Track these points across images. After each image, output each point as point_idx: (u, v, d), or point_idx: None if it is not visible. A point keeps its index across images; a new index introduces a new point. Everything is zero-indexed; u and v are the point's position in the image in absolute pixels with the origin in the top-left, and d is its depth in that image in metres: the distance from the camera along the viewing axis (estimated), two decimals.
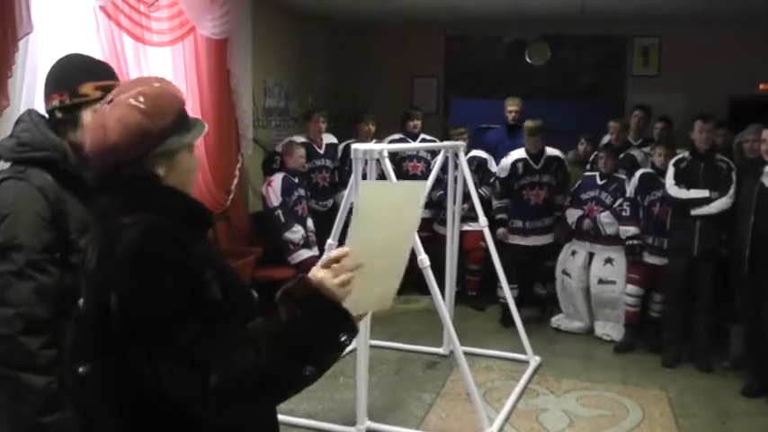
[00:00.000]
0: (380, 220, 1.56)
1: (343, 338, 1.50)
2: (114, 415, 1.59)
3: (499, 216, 6.41)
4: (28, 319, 1.92)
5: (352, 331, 1.51)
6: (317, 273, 1.51)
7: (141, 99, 1.56)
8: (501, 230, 6.34)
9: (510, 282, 5.73)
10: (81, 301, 1.68)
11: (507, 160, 6.35)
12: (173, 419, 1.53)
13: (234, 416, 1.47)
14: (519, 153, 6.34)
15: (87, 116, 2.04)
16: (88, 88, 2.10)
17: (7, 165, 2.13)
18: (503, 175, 6.36)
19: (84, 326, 1.62)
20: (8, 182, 2.05)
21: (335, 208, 6.17)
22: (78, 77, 2.12)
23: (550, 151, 6.36)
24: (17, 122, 2.16)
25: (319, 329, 1.47)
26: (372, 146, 4.37)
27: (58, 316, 1.95)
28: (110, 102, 1.59)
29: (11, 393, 1.93)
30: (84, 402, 1.69)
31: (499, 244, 5.90)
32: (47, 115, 2.16)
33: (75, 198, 2.07)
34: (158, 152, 1.58)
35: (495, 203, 6.47)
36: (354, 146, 4.24)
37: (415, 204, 1.69)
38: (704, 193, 5.31)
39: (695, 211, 5.38)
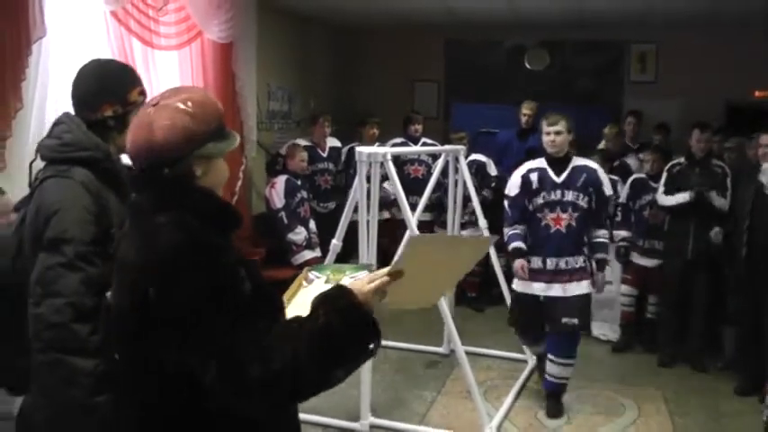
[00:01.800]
0: (430, 265, 1.79)
1: (371, 347, 1.65)
2: (138, 402, 1.71)
3: (513, 246, 4.63)
4: (78, 307, 2.03)
5: (379, 341, 1.66)
6: (360, 287, 1.68)
7: (189, 104, 1.68)
8: (518, 263, 4.57)
9: (528, 343, 5.14)
10: (110, 293, 1.80)
11: (517, 173, 4.70)
12: (195, 410, 1.64)
13: (265, 408, 1.61)
14: (536, 162, 4.66)
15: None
16: (134, 95, 2.25)
17: (41, 165, 2.24)
18: (513, 192, 4.67)
19: (115, 316, 1.73)
20: (52, 180, 2.15)
21: (338, 210, 6.32)
22: (125, 86, 2.25)
23: (580, 161, 4.64)
24: (56, 124, 2.26)
25: (353, 337, 1.62)
26: (377, 149, 4.49)
27: (100, 304, 2.06)
28: (155, 105, 1.70)
29: (64, 377, 2.03)
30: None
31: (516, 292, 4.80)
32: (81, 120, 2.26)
33: (114, 195, 2.19)
34: (199, 154, 1.69)
35: (507, 231, 4.71)
36: (359, 149, 4.37)
37: (475, 257, 2.07)
38: (684, 197, 5.45)
39: (666, 202, 5.58)
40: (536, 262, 4.55)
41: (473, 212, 5.81)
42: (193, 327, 1.54)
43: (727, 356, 5.65)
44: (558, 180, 4.53)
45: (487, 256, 5.82)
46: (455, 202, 5.85)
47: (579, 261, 4.52)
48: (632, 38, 8.25)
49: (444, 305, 4.55)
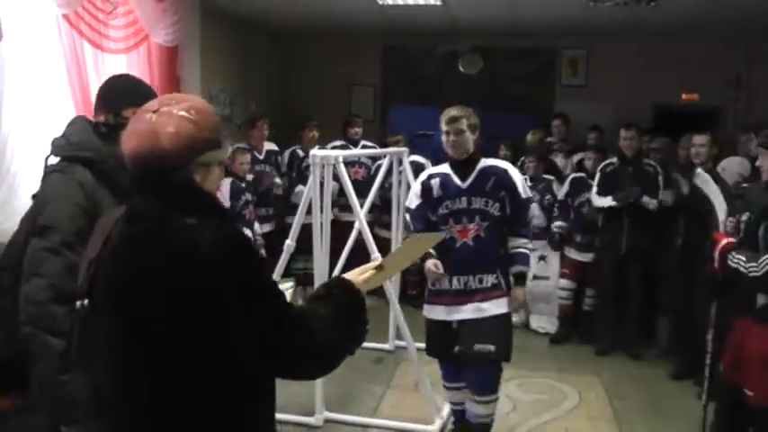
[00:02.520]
0: (409, 254, 2.42)
1: (366, 326, 1.97)
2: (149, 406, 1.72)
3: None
4: (57, 289, 2.20)
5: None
6: (356, 277, 2.02)
7: (193, 112, 1.74)
8: (429, 262, 3.74)
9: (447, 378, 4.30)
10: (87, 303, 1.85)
11: (417, 181, 4.12)
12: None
13: (321, 372, 1.93)
14: (438, 167, 4.08)
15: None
16: (129, 113, 2.31)
17: (56, 159, 2.43)
18: (413, 203, 4.03)
19: (128, 321, 1.72)
20: (54, 174, 2.37)
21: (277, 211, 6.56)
22: (122, 102, 2.40)
23: (488, 162, 3.95)
24: (69, 125, 2.48)
25: (358, 317, 1.94)
26: (329, 152, 4.64)
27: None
28: (155, 111, 1.74)
29: (36, 352, 2.20)
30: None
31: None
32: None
33: (110, 194, 2.35)
34: (199, 161, 1.75)
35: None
36: (313, 152, 4.51)
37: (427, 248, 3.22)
38: (610, 202, 5.79)
39: (598, 203, 5.91)
40: (442, 282, 3.85)
41: None
42: (260, 308, 1.70)
43: (661, 344, 6.00)
44: (463, 185, 3.84)
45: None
46: (399, 203, 6.02)
47: (491, 278, 3.84)
48: (563, 44, 8.55)
49: (396, 303, 4.74)
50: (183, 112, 1.73)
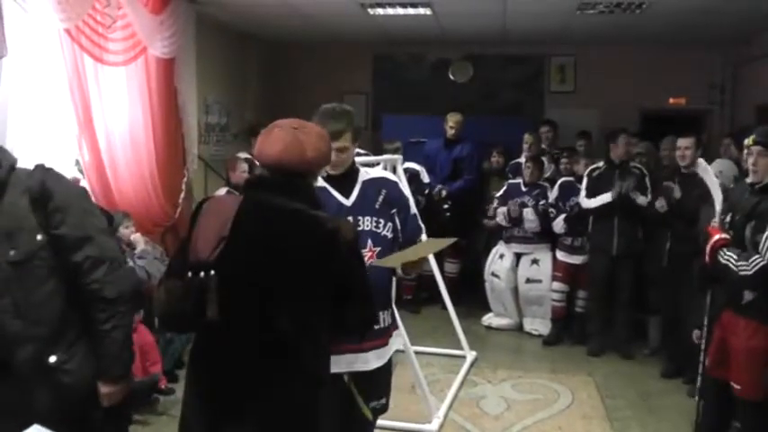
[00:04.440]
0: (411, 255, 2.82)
1: None
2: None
3: None
4: None
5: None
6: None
7: (324, 136, 2.42)
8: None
9: None
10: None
11: None
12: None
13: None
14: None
15: None
16: None
17: None
18: None
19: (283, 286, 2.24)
20: None
21: None
22: None
23: (372, 173, 3.19)
24: None
25: None
26: None
27: None
28: (295, 128, 2.32)
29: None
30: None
31: None
32: None
33: None
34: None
35: None
36: None
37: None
38: (606, 198, 5.89)
39: (589, 204, 6.01)
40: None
41: None
42: (360, 289, 2.36)
43: (651, 344, 6.12)
44: (348, 203, 3.01)
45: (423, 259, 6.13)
46: None
47: (387, 316, 3.08)
48: (552, 51, 8.71)
49: (394, 309, 4.84)
50: (320, 132, 2.41)
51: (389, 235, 3.01)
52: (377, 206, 3.03)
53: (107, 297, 2.45)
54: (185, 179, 6.65)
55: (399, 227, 3.07)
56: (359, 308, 2.36)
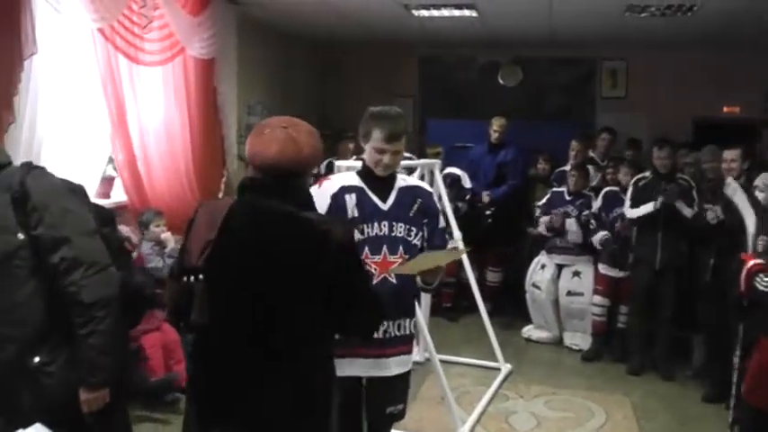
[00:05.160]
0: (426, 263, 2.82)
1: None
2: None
3: None
4: None
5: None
6: None
7: (315, 132, 2.35)
8: None
9: None
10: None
11: (325, 191, 3.01)
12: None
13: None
14: (348, 177, 3.13)
15: None
16: None
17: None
18: None
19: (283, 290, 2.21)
20: None
21: None
22: None
23: (408, 181, 3.22)
24: None
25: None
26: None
27: None
28: (285, 127, 2.25)
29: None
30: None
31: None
32: None
33: None
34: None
35: None
36: (337, 162, 4.53)
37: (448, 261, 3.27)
38: (649, 208, 5.64)
39: (632, 214, 5.78)
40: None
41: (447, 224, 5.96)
42: (363, 292, 2.34)
43: (694, 364, 5.83)
44: (384, 207, 3.05)
45: (462, 267, 6.02)
46: None
47: (410, 325, 3.12)
48: (603, 55, 8.49)
49: (420, 315, 4.72)
50: (311, 130, 2.33)
51: (419, 244, 3.06)
52: (411, 214, 3.07)
53: (83, 301, 2.39)
54: (224, 179, 6.64)
55: (427, 237, 3.10)
56: (357, 312, 2.31)
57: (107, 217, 2.77)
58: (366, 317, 2.37)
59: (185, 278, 2.27)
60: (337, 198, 2.99)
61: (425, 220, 3.10)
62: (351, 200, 3.00)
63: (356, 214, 2.99)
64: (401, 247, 3.00)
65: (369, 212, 2.99)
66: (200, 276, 2.24)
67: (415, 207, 3.08)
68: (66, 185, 2.56)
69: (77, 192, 2.60)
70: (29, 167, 2.50)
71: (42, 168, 2.56)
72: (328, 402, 2.33)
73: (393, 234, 3.01)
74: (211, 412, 2.28)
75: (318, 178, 3.08)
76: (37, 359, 2.44)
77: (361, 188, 3.03)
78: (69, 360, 2.46)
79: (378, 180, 3.04)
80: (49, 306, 2.43)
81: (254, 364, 2.21)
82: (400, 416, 3.21)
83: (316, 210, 2.36)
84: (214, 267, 2.23)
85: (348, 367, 2.96)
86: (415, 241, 3.04)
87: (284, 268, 2.18)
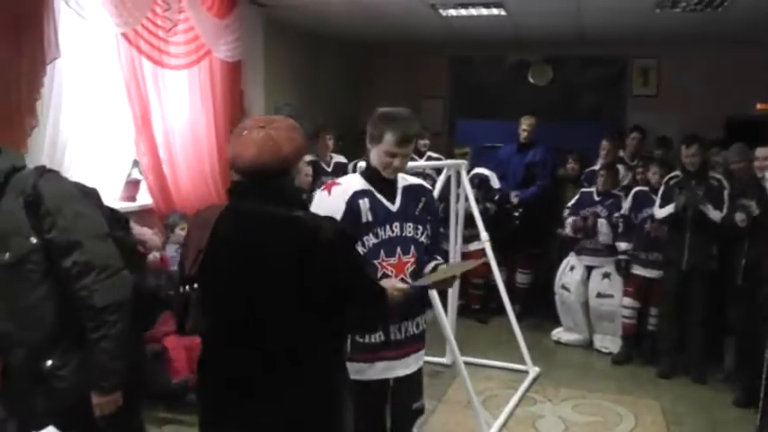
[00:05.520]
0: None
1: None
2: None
3: None
4: None
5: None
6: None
7: (296, 126, 2.27)
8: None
9: None
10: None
11: (336, 197, 2.97)
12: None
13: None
14: (355, 181, 3.05)
15: None
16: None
17: None
18: None
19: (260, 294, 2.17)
20: None
21: None
22: None
23: (408, 179, 3.16)
24: None
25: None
26: None
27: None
28: (262, 127, 2.19)
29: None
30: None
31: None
32: None
33: None
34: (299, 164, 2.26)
35: None
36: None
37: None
38: (670, 209, 5.55)
39: (658, 214, 5.69)
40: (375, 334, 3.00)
41: (473, 225, 5.90)
42: (362, 290, 2.28)
43: (726, 368, 5.70)
44: (394, 209, 3.03)
45: (490, 270, 5.96)
46: (457, 216, 5.97)
47: (422, 322, 3.15)
48: (634, 53, 8.37)
49: (444, 318, 4.68)
50: (291, 125, 2.25)
51: (425, 242, 3.07)
52: (417, 212, 3.07)
53: (95, 306, 2.39)
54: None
55: (430, 234, 3.11)
56: (356, 309, 2.26)
57: (120, 220, 2.78)
58: (367, 313, 2.34)
59: (182, 287, 2.27)
60: (352, 204, 2.95)
61: (429, 218, 3.12)
62: (365, 204, 2.96)
63: (370, 218, 2.95)
64: (412, 247, 3.02)
65: (382, 215, 2.97)
66: (195, 285, 2.24)
67: (420, 206, 3.09)
68: (78, 189, 2.57)
69: (90, 195, 2.60)
70: (42, 171, 2.51)
71: (56, 172, 2.57)
72: (336, 410, 2.28)
73: (404, 234, 3.02)
74: (211, 418, 2.29)
75: (328, 184, 3.03)
76: (49, 363, 2.45)
77: (371, 191, 2.99)
78: (81, 364, 2.47)
79: (384, 182, 3.02)
80: (61, 310, 2.44)
81: (251, 370, 2.18)
82: (422, 410, 3.24)
83: (306, 207, 2.29)
84: (206, 275, 2.22)
85: (378, 371, 2.99)
86: (422, 239, 3.06)
87: (273, 271, 2.13)
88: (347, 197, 2.94)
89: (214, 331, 2.25)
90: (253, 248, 2.15)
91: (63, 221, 2.39)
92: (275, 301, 2.14)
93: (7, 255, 2.37)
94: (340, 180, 3.07)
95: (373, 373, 2.98)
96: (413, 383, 3.13)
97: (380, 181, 3.00)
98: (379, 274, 2.91)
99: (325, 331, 2.23)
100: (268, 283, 2.13)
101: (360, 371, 2.90)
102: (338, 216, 2.81)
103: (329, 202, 2.89)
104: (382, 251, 2.96)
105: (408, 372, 3.06)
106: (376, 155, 2.97)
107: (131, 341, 2.57)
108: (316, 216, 2.25)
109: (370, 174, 3.01)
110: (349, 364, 2.58)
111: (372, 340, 2.96)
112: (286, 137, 2.18)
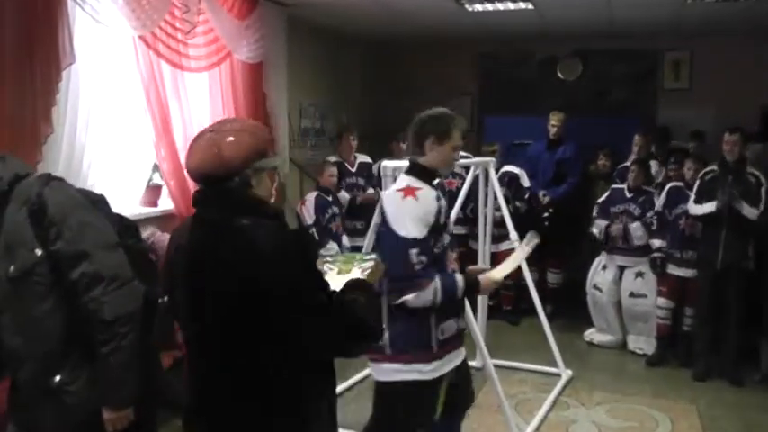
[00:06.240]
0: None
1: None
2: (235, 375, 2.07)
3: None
4: None
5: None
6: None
7: (247, 126, 2.15)
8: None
9: None
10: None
11: (425, 200, 3.02)
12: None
13: (349, 353, 2.29)
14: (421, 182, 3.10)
15: None
16: None
17: None
18: (420, 232, 3.00)
19: (207, 304, 2.05)
20: None
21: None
22: None
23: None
24: None
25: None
26: (402, 163, 4.50)
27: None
28: (212, 131, 2.08)
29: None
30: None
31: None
32: None
33: None
34: (255, 167, 2.06)
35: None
36: (384, 163, 4.37)
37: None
38: (710, 208, 5.37)
39: (695, 212, 5.52)
40: (451, 326, 3.10)
41: (503, 225, 5.77)
42: (308, 303, 2.00)
43: (763, 370, 5.53)
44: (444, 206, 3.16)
45: (520, 270, 5.82)
46: (485, 216, 5.84)
47: (461, 323, 3.26)
48: (665, 46, 8.14)
49: (473, 319, 4.56)
50: (238, 127, 2.11)
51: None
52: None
53: (105, 318, 2.32)
54: (275, 184, 6.54)
55: None
56: (316, 326, 2.02)
57: (131, 227, 2.70)
58: (331, 330, 2.06)
59: (160, 300, 2.30)
60: (439, 204, 3.03)
61: None
62: (443, 203, 3.06)
63: (446, 219, 3.08)
64: (456, 241, 3.23)
65: (447, 214, 3.11)
66: (166, 299, 2.26)
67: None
68: (85, 196, 2.49)
69: (97, 203, 2.53)
70: (47, 179, 2.43)
71: (61, 180, 2.49)
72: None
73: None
74: (187, 423, 2.24)
75: (404, 191, 2.99)
76: (58, 378, 2.39)
77: (437, 194, 3.07)
78: (91, 379, 2.40)
79: (435, 181, 3.13)
80: (70, 323, 2.37)
81: (216, 385, 2.11)
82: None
83: (262, 213, 2.05)
84: (170, 287, 2.20)
85: (448, 364, 3.09)
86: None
87: (217, 283, 2.00)
88: (434, 196, 3.03)
89: (186, 343, 2.22)
90: (198, 259, 2.07)
91: (69, 231, 2.32)
92: (222, 315, 2.02)
93: (12, 267, 2.30)
94: (409, 184, 3.03)
95: (459, 358, 3.18)
96: (467, 365, 3.34)
97: (433, 180, 3.09)
98: (449, 270, 3.04)
99: (288, 352, 2.03)
100: (214, 296, 2.02)
101: (452, 359, 3.11)
102: (431, 218, 2.94)
103: (419, 206, 2.95)
104: (449, 249, 3.10)
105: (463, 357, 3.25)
106: (441, 153, 3.04)
107: (144, 353, 2.49)
108: (261, 221, 2.01)
109: (426, 172, 3.06)
110: (445, 357, 3.03)
111: (459, 327, 3.15)
112: (230, 141, 2.03)
